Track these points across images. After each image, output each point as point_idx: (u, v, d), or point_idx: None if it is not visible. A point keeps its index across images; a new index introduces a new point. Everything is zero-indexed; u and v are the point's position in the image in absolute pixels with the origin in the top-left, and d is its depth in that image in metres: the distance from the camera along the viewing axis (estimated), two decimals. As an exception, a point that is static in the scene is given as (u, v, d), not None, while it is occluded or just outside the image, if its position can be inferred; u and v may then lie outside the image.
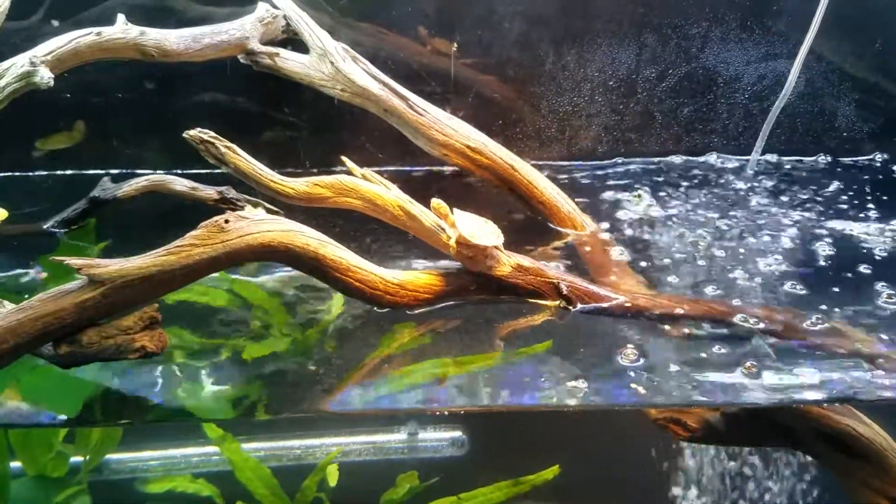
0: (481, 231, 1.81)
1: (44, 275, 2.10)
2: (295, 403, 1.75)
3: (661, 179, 2.60)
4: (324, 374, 1.75)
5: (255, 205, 2.12)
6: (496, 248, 1.82)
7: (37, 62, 1.99)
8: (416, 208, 1.87)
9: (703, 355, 1.75)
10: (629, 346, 1.77)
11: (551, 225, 2.26)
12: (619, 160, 2.73)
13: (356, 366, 1.80)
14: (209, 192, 2.22)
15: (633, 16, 2.54)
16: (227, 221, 1.63)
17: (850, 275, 2.06)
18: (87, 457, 2.46)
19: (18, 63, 2.02)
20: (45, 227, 2.26)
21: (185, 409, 1.69)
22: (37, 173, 2.64)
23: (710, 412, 2.14)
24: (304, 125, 2.62)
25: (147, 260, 1.54)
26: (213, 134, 1.84)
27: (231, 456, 2.43)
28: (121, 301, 1.54)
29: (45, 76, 1.99)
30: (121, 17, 2.13)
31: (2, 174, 2.64)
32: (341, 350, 1.84)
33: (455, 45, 2.54)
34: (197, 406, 1.70)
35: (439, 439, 2.76)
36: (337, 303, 1.96)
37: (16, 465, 2.44)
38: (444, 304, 1.88)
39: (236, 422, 2.45)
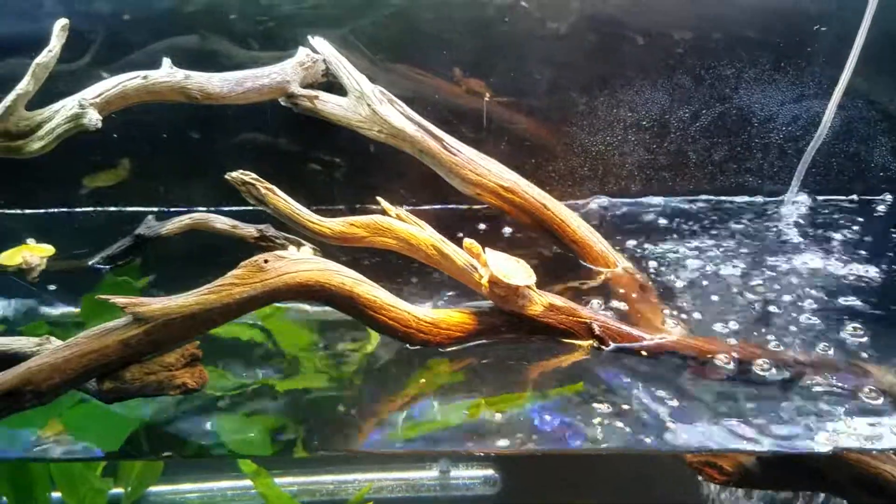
0: (513, 270, 1.82)
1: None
2: (329, 441, 1.76)
3: (694, 218, 2.60)
4: (356, 412, 1.78)
5: (298, 244, 2.17)
6: (528, 287, 1.84)
7: (86, 104, 2.06)
8: (449, 248, 1.90)
9: (737, 397, 1.75)
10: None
11: (584, 263, 2.27)
12: (652, 199, 2.73)
13: (388, 403, 1.82)
14: (249, 230, 2.28)
15: (667, 57, 2.56)
16: (266, 261, 1.67)
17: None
18: (129, 488, 2.48)
19: (68, 105, 2.08)
20: (90, 263, 2.32)
21: (222, 444, 1.72)
22: (82, 210, 2.71)
23: (746, 456, 2.12)
24: (339, 165, 2.67)
25: (189, 299, 1.59)
26: (254, 176, 1.90)
27: (264, 491, 2.44)
28: (163, 338, 1.59)
29: (94, 118, 2.05)
30: (166, 62, 2.19)
31: (49, 210, 2.71)
32: (374, 387, 1.86)
33: (488, 91, 2.58)
34: (234, 442, 1.72)
35: (471, 477, 2.74)
36: (370, 340, 1.99)
37: (55, 495, 2.48)
38: (475, 343, 1.89)
39: (270, 458, 2.47)
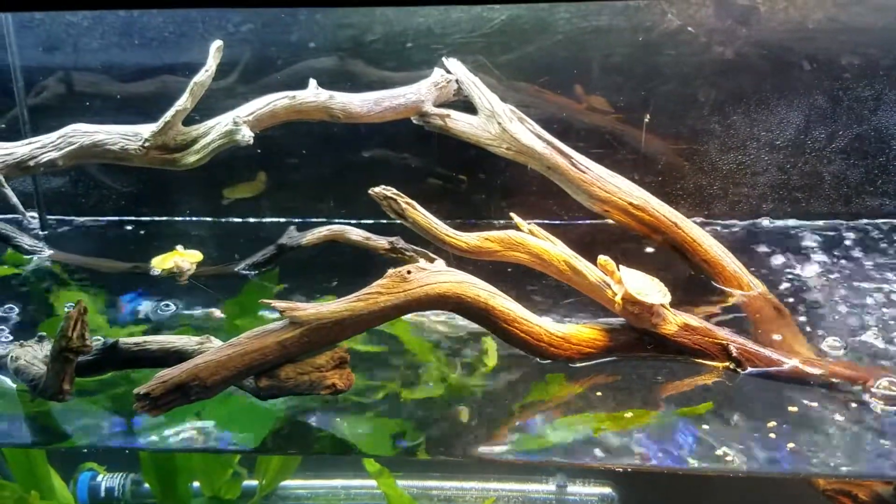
0: (648, 288, 1.83)
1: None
2: (449, 447, 1.80)
3: (829, 241, 2.54)
4: (478, 420, 1.82)
5: (421, 255, 2.24)
6: (663, 306, 1.84)
7: (240, 122, 2.21)
8: (581, 264, 1.93)
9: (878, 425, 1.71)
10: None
11: (715, 284, 2.24)
12: (785, 221, 2.68)
13: (509, 414, 1.86)
14: (381, 242, 2.38)
15: (803, 76, 2.52)
16: (409, 272, 1.75)
17: None
18: (263, 481, 2.61)
19: (223, 122, 2.25)
20: (236, 269, 2.47)
21: (347, 443, 1.79)
22: (225, 219, 2.89)
23: (883, 486, 2.04)
24: (494, 181, 2.75)
25: (340, 305, 1.69)
26: (395, 191, 1.99)
27: (387, 491, 2.51)
28: (316, 341, 1.68)
29: (247, 135, 2.21)
30: (312, 83, 2.32)
31: (196, 219, 2.90)
32: (496, 397, 1.90)
33: (648, 116, 2.62)
34: (358, 441, 1.79)
35: (588, 494, 2.72)
36: (492, 352, 2.03)
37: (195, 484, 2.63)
38: (605, 360, 1.90)
39: (392, 459, 2.54)
